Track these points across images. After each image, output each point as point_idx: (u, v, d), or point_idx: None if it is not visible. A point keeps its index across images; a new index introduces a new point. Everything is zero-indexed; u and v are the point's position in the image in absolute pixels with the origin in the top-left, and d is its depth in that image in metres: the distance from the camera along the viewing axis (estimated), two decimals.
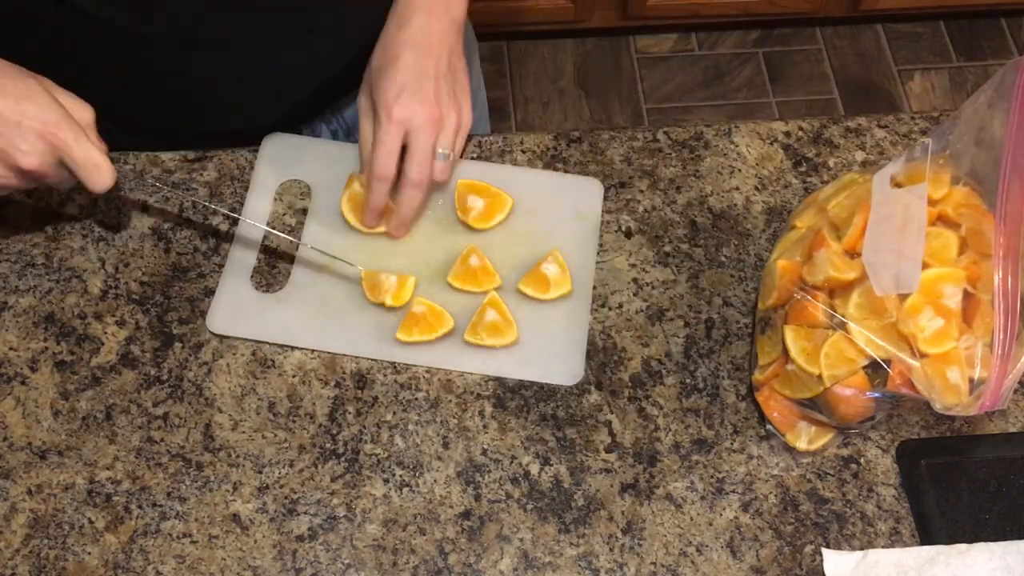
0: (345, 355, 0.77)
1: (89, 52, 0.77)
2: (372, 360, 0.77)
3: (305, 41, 0.82)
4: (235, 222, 0.82)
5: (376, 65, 0.77)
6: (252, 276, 0.79)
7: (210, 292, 0.79)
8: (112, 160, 0.71)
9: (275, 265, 0.80)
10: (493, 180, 0.84)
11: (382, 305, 0.78)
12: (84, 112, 0.71)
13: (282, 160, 0.85)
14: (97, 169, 0.70)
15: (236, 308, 0.78)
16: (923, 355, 0.63)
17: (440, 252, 0.81)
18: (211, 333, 0.77)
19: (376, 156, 0.76)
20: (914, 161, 0.69)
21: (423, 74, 0.75)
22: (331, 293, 0.79)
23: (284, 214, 0.83)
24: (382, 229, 0.81)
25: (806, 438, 0.73)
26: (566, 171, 0.86)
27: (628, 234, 0.84)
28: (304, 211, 0.83)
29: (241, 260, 0.80)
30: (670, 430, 0.75)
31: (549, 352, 0.77)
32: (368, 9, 0.83)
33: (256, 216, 0.82)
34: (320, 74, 0.88)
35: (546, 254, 0.80)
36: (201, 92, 0.83)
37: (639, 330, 0.79)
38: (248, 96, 0.85)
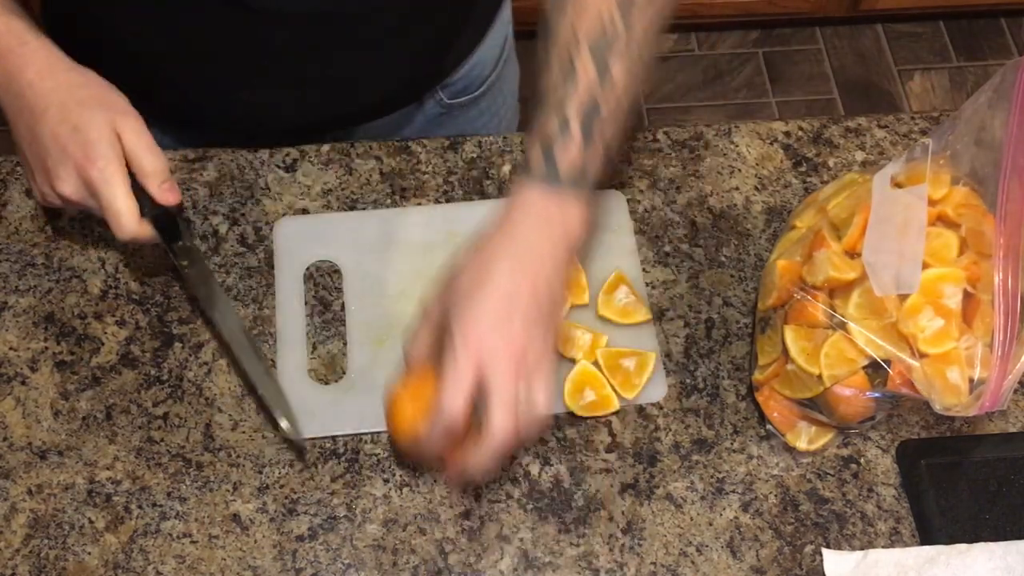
0: None
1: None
2: None
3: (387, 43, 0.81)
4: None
5: (463, 278, 0.64)
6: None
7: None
8: None
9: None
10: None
11: (571, 360, 0.75)
12: (156, 161, 0.69)
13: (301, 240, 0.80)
14: (116, 218, 0.67)
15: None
16: (923, 355, 0.63)
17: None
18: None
19: (443, 391, 0.60)
20: (914, 161, 0.69)
21: (514, 297, 0.62)
22: None
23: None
24: None
25: (806, 438, 0.73)
26: None
27: None
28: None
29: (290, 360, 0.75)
30: (670, 430, 0.75)
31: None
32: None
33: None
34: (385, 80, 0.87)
35: (609, 278, 0.78)
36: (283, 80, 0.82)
37: None
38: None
